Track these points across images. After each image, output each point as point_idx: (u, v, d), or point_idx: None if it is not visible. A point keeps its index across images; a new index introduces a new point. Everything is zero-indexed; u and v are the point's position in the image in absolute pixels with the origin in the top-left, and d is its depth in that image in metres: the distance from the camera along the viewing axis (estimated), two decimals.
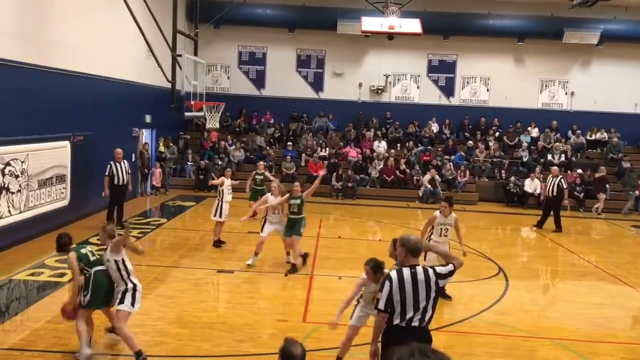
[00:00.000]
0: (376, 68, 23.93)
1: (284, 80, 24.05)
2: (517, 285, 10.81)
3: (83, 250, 7.06)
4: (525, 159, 22.01)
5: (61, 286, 9.37)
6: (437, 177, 20.57)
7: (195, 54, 16.74)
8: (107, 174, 13.55)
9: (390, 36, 18.63)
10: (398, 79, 24.23)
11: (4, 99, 10.93)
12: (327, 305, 8.99)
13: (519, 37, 23.24)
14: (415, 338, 4.64)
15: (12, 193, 11.10)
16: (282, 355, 4.01)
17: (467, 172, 21.22)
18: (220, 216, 12.11)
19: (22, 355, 6.68)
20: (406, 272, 4.99)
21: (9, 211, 11.00)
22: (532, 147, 22.69)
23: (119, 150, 13.84)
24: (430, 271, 5.07)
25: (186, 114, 15.11)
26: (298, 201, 10.84)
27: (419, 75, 24.22)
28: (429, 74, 24.23)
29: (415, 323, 4.95)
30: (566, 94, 24.12)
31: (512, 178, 20.66)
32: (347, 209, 18.38)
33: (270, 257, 11.63)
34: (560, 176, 16.76)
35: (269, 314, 8.52)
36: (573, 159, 22.15)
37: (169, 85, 14.21)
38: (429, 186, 20.29)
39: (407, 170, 21.06)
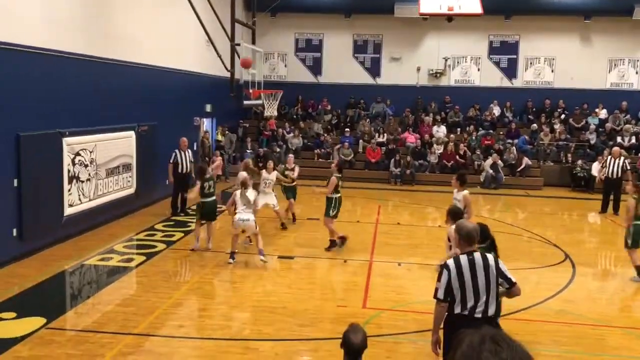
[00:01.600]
0: (435, 51, 23.45)
1: (341, 66, 23.93)
2: (585, 272, 10.43)
3: None
4: (592, 142, 21.12)
5: (129, 271, 9.73)
6: (499, 161, 20.05)
7: (253, 42, 16.89)
8: (171, 161, 13.95)
9: (450, 18, 18.22)
10: (458, 62, 23.68)
11: (72, 91, 11.38)
12: (387, 291, 8.97)
13: (585, 15, 22.22)
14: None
15: (82, 182, 11.57)
16: (344, 340, 4.06)
17: (525, 158, 20.57)
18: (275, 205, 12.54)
19: (94, 336, 6.98)
20: (464, 259, 4.95)
21: (80, 199, 11.48)
22: (600, 129, 21.73)
23: (184, 139, 14.26)
24: (490, 256, 5.02)
25: (245, 102, 15.29)
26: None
27: (479, 58, 23.58)
28: (490, 56, 23.54)
29: (479, 314, 4.88)
30: (637, 73, 22.92)
31: (579, 162, 19.89)
32: (406, 195, 18.20)
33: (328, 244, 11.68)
34: (624, 157, 16.22)
35: (329, 299, 8.57)
36: None
37: (228, 75, 14.40)
38: (491, 171, 19.81)
39: (468, 154, 20.62)
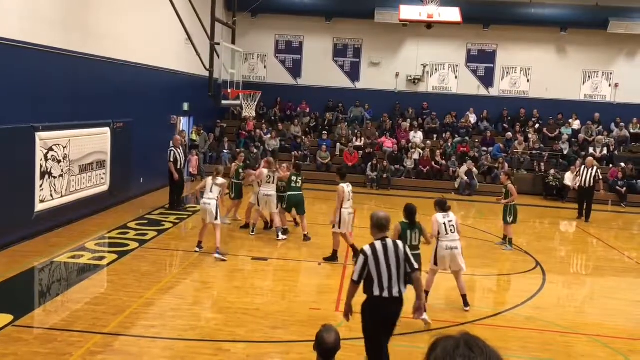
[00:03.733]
0: (414, 57, 23.63)
1: (320, 69, 23.98)
2: (555, 279, 10.60)
3: None
4: (565, 152, 21.50)
5: (100, 269, 9.60)
6: (474, 169, 20.28)
7: (233, 42, 16.82)
8: (171, 159, 14.30)
9: (429, 25, 18.40)
10: (436, 69, 23.91)
11: (46, 85, 11.20)
12: (359, 294, 8.97)
13: (561, 27, 22.62)
14: (394, 307, 5.60)
15: (55, 177, 11.38)
16: (317, 341, 4.05)
17: (506, 165, 20.86)
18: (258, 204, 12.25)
19: (62, 334, 6.87)
20: (378, 244, 5.63)
21: (52, 195, 11.29)
22: (572, 139, 22.13)
23: (178, 137, 14.85)
24: (399, 242, 5.78)
25: (223, 102, 15.22)
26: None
27: (457, 65, 23.85)
28: (468, 64, 23.82)
29: (396, 294, 5.59)
30: (610, 85, 23.42)
31: (552, 171, 20.22)
32: (382, 199, 18.28)
33: (304, 246, 11.69)
34: (596, 167, 16.83)
35: (302, 302, 8.57)
36: (616, 152, 21.56)
37: (206, 74, 14.33)
38: (465, 178, 20.03)
39: (444, 162, 20.82)
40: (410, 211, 7.92)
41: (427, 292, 8.27)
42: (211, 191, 10.54)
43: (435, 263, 8.50)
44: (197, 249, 10.65)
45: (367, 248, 5.65)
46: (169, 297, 8.48)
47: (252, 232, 12.35)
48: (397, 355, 6.65)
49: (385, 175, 20.26)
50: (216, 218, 10.49)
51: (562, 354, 7.31)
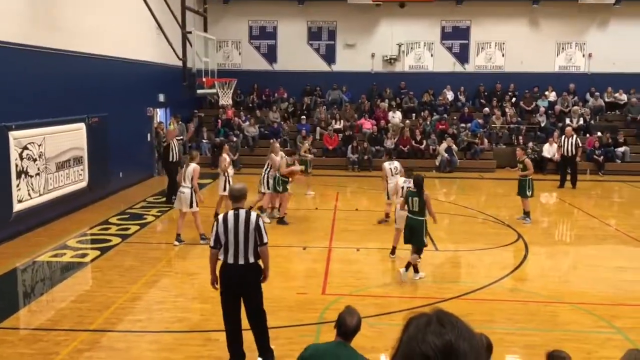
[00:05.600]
0: (388, 38, 23.57)
1: (296, 53, 23.82)
2: (537, 251, 10.74)
3: None
4: (543, 124, 21.69)
5: (83, 266, 9.52)
6: (453, 146, 20.38)
7: (205, 30, 16.66)
8: (171, 159, 14.25)
9: (402, 4, 18.40)
10: (411, 48, 23.89)
11: (18, 82, 10.99)
12: (346, 277, 9.03)
13: (533, 0, 22.72)
14: (239, 273, 5.85)
15: (31, 176, 11.21)
16: (338, 321, 4.16)
17: (485, 140, 21.02)
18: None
19: (48, 334, 6.81)
20: (230, 214, 5.97)
21: (29, 194, 11.13)
22: (549, 111, 22.32)
23: (171, 129, 14.62)
24: (253, 214, 6.06)
25: (198, 91, 15.09)
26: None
27: (432, 43, 23.84)
28: (443, 41, 23.82)
29: (241, 261, 5.86)
30: (583, 56, 23.59)
31: (530, 144, 20.39)
32: (364, 181, 18.31)
33: (289, 231, 11.68)
34: (575, 136, 17.72)
35: (289, 287, 8.57)
36: (592, 122, 21.80)
37: (180, 63, 14.17)
38: (446, 155, 20.13)
39: (424, 141, 20.88)
40: (414, 181, 8.92)
41: (394, 247, 9.77)
42: (183, 178, 10.57)
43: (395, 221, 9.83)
44: (177, 243, 10.49)
45: (220, 216, 6.07)
46: (154, 290, 8.44)
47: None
48: (376, 333, 6.72)
49: (366, 157, 20.28)
50: (191, 205, 10.42)
51: (547, 323, 7.42)
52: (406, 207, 8.90)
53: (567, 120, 21.66)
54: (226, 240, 5.87)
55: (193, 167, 10.65)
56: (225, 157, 12.24)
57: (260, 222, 5.99)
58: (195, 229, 10.74)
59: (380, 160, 20.48)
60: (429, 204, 8.81)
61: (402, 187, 9.65)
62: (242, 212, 5.96)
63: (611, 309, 7.82)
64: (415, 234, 8.75)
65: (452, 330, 1.43)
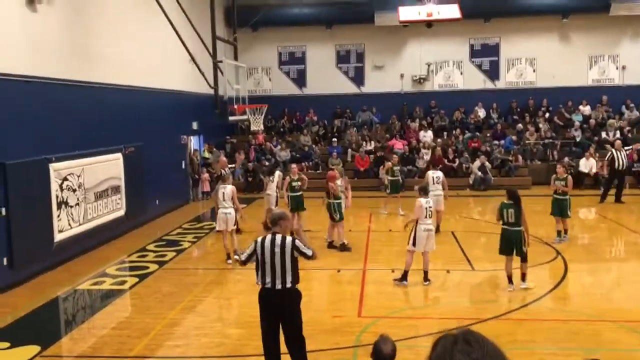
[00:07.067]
0: (417, 57, 23.63)
1: (325, 77, 24.05)
2: (577, 268, 10.51)
3: None
4: (578, 139, 21.32)
5: (123, 293, 9.68)
6: (487, 163, 20.17)
7: (236, 58, 16.98)
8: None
9: (429, 24, 18.42)
10: (440, 67, 23.88)
11: (57, 116, 11.36)
12: (381, 299, 8.98)
13: (562, 14, 22.49)
14: (276, 299, 5.84)
15: (71, 207, 11.52)
16: (374, 350, 4.26)
17: (519, 157, 20.75)
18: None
19: None
20: (267, 238, 5.99)
21: (69, 224, 11.43)
22: (584, 125, 21.94)
23: (223, 159, 15.23)
24: (289, 238, 6.01)
25: (230, 118, 15.34)
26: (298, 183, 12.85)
27: (461, 61, 23.79)
28: (472, 59, 23.77)
29: (279, 286, 5.88)
30: (617, 68, 23.22)
31: (566, 159, 20.04)
32: (397, 201, 18.21)
33: (322, 254, 11.68)
34: (624, 149, 17.69)
35: (324, 310, 8.56)
36: (629, 135, 21.34)
37: (212, 91, 14.44)
38: (479, 173, 19.93)
39: (456, 159, 20.72)
40: (510, 193, 9.10)
41: (406, 272, 9.37)
42: (224, 200, 10.86)
43: (414, 244, 9.25)
44: (230, 261, 10.90)
45: (258, 239, 6.10)
46: (192, 316, 8.53)
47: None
48: (415, 355, 6.63)
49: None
50: (233, 224, 10.99)
51: (589, 342, 7.23)
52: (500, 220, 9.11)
53: (604, 134, 21.25)
54: (263, 264, 5.92)
55: (231, 187, 11.09)
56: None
57: (297, 242, 6.04)
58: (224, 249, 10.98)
59: (412, 180, 20.42)
60: (525, 216, 8.97)
61: (425, 208, 9.29)
62: (279, 237, 5.99)
63: None
64: (517, 245, 8.94)
65: (480, 349, 1.46)
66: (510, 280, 9.06)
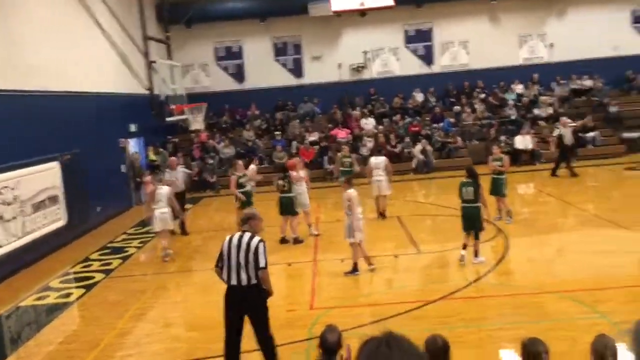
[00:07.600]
0: (354, 46, 23.79)
1: (264, 70, 23.91)
2: (518, 243, 10.87)
3: None
4: (513, 117, 22.01)
5: (69, 306, 9.40)
6: (428, 147, 20.57)
7: (170, 56, 16.64)
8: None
9: (363, 12, 18.57)
10: (377, 55, 24.12)
11: None
12: (332, 290, 9.06)
13: None
14: (242, 296, 5.94)
15: (8, 221, 11.08)
16: (321, 340, 4.44)
17: (458, 138, 21.24)
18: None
19: None
20: (235, 235, 6.08)
21: (7, 239, 11.00)
22: (518, 104, 22.67)
23: (173, 159, 14.32)
24: (256, 239, 6.04)
25: (168, 119, 15.07)
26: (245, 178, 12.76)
27: (397, 48, 24.10)
28: (407, 45, 24.11)
29: (244, 282, 5.95)
30: (545, 46, 24.05)
31: (502, 137, 20.67)
32: (342, 190, 18.33)
33: (271, 249, 11.66)
34: (570, 123, 18.26)
35: (278, 305, 8.52)
36: (560, 110, 22.16)
37: (148, 92, 14.13)
38: (422, 157, 20.30)
39: (398, 145, 21.03)
40: (468, 171, 9.74)
41: (356, 263, 9.50)
42: (160, 200, 11.14)
43: (353, 236, 9.38)
44: (167, 258, 11.18)
45: (227, 237, 6.18)
46: (142, 324, 8.38)
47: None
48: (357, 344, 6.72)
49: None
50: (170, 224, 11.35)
51: (535, 315, 7.51)
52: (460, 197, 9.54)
53: (536, 111, 22.01)
54: (229, 261, 5.99)
55: (167, 188, 11.38)
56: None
57: (261, 248, 6.02)
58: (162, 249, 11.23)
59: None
60: (482, 192, 9.52)
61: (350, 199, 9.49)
62: (247, 235, 6.07)
63: (593, 294, 7.94)
64: (476, 221, 9.48)
65: (400, 353, 1.55)
66: (464, 247, 9.57)
